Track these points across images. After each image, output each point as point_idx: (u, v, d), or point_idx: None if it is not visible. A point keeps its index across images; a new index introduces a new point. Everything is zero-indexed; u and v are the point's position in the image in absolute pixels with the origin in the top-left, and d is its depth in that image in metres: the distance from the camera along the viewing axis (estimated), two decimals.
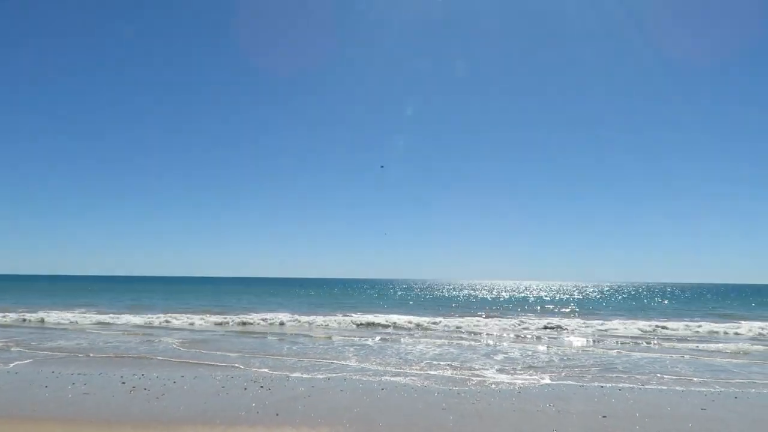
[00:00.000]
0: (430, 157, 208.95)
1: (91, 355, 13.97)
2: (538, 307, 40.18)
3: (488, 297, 59.23)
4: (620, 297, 64.80)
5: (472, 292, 77.73)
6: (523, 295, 67.58)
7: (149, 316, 25.26)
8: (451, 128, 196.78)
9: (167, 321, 23.38)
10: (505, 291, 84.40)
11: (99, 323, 23.20)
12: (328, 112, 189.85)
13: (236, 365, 12.37)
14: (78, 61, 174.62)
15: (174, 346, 15.93)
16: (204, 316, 25.19)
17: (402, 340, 18.27)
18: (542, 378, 11.18)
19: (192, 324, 22.74)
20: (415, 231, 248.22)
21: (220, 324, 22.89)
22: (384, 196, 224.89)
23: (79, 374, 10.89)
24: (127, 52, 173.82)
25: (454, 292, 73.79)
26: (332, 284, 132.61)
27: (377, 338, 18.58)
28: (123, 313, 27.04)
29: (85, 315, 25.89)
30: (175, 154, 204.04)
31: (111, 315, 25.82)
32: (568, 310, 37.31)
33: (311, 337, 19.01)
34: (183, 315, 25.73)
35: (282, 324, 23.03)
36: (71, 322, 23.35)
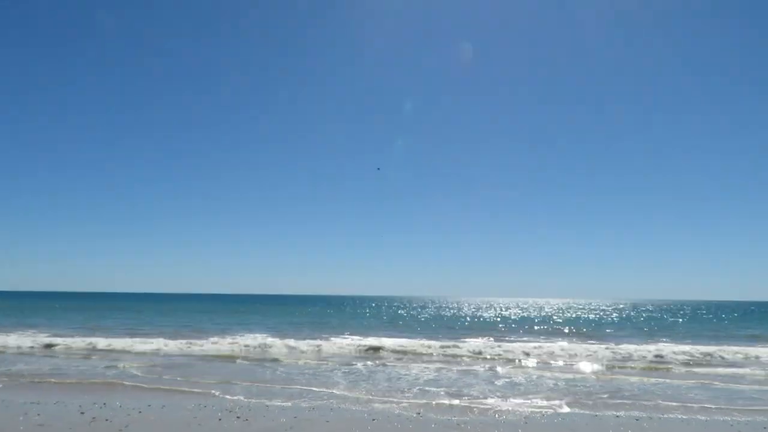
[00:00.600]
0: (429, 160, 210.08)
1: (48, 381, 13.81)
2: (546, 327, 40.31)
3: (490, 316, 59.41)
4: (636, 316, 65.19)
5: (471, 310, 77.94)
6: (528, 314, 67.85)
7: (111, 338, 24.99)
8: (452, 128, 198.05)
9: (131, 344, 23.14)
10: (509, 309, 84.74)
11: (54, 346, 22.91)
12: (320, 108, 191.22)
13: (209, 393, 12.30)
14: (70, 67, 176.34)
15: (139, 371, 15.80)
16: (173, 339, 24.97)
17: (394, 363, 18.27)
18: (551, 407, 11.26)
19: (159, 347, 22.53)
20: (409, 243, 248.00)
21: (191, 346, 22.70)
22: (377, 205, 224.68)
23: (32, 403, 10.77)
24: (121, 56, 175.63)
25: (452, 311, 73.86)
26: (315, 302, 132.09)
27: (367, 362, 18.56)
28: (82, 335, 26.72)
29: (37, 336, 25.55)
30: (139, 153, 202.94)
31: (68, 337, 25.52)
32: (579, 330, 37.51)
33: (293, 361, 18.94)
34: (149, 337, 25.45)
35: (261, 346, 22.91)
36: (22, 345, 23.03)
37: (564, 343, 25.13)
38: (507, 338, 29.09)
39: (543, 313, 70.02)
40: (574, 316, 64.38)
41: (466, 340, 27.23)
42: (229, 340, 24.80)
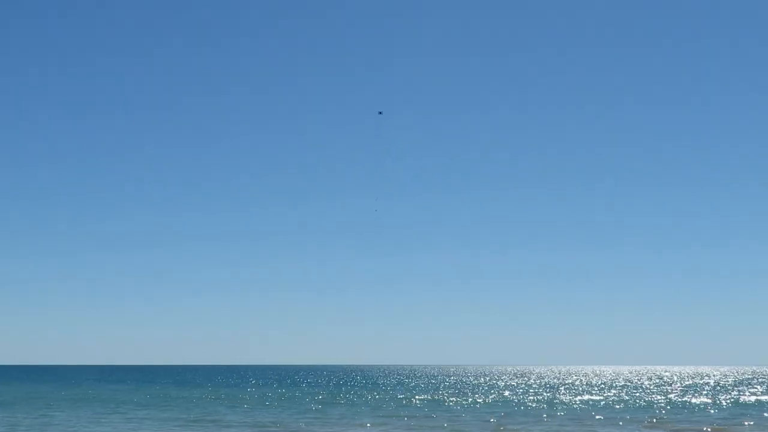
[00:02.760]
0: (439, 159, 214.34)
1: None
2: (670, 414, 37.15)
3: (557, 398, 56.90)
4: None
5: (527, 389, 74.91)
6: (627, 395, 64.23)
7: None
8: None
9: None
10: (590, 387, 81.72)
11: None
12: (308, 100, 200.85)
13: None
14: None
15: None
16: None
17: None
18: None
19: None
20: (419, 288, 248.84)
21: None
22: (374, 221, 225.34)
23: None
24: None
25: (487, 393, 69.15)
26: (275, 375, 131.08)
27: None
28: None
29: None
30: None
31: None
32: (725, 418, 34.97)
33: None
34: None
35: None
36: None
37: None
38: None
39: (661, 392, 67.98)
40: (708, 393, 62.77)
41: None
42: None
